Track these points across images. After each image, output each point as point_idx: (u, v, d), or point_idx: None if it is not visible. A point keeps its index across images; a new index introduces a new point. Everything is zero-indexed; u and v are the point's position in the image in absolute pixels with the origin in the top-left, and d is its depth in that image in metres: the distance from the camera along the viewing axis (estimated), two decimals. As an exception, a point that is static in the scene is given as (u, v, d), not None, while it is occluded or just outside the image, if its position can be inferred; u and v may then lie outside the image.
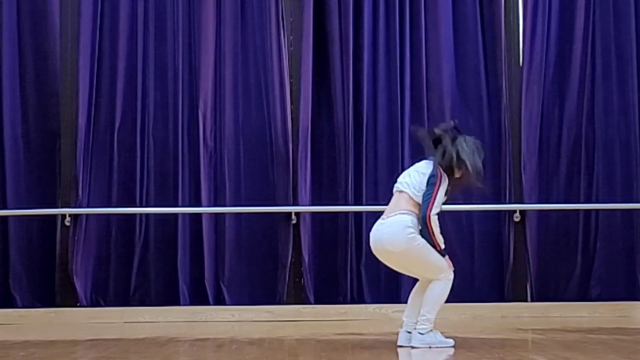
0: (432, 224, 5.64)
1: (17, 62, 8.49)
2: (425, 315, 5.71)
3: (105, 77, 8.53)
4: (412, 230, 5.67)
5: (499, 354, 5.39)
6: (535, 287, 8.60)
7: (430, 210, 5.63)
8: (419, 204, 5.70)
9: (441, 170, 5.71)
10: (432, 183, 5.68)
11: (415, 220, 5.69)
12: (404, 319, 5.87)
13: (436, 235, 5.67)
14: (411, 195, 5.73)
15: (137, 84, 8.52)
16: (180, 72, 8.54)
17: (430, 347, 5.67)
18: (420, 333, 5.72)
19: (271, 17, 8.57)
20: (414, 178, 5.78)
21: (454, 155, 5.70)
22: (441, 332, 5.81)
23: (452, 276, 5.75)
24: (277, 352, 5.71)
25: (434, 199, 5.64)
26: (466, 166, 5.71)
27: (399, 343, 5.82)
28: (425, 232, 5.66)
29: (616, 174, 8.72)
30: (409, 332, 5.80)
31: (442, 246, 5.72)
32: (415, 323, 5.76)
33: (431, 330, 5.73)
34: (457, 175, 5.76)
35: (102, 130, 8.49)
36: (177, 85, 8.52)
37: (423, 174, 5.75)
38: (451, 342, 5.79)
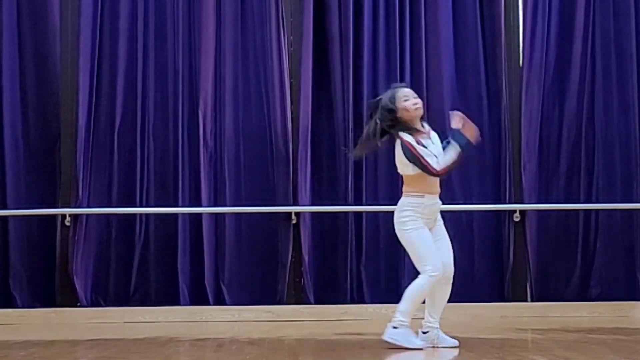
0: (443, 168, 5.68)
1: (17, 62, 8.49)
2: (400, 310, 5.69)
3: (105, 77, 8.53)
4: (405, 213, 5.72)
5: (499, 354, 5.39)
6: (535, 287, 8.60)
7: (431, 167, 5.68)
8: (409, 179, 5.76)
9: (401, 137, 5.75)
10: (408, 151, 5.71)
11: (408, 200, 5.74)
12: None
13: (450, 164, 5.71)
14: (402, 174, 5.85)
15: (137, 84, 8.52)
16: (180, 72, 8.54)
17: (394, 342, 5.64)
18: (393, 327, 5.69)
19: (271, 17, 8.57)
20: (397, 161, 5.86)
21: (377, 121, 5.84)
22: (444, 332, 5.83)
23: (435, 273, 5.65)
24: (277, 352, 5.71)
25: (421, 156, 5.68)
26: (381, 110, 5.84)
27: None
28: (449, 168, 5.75)
29: (616, 174, 8.72)
30: (424, 332, 5.79)
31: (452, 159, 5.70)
32: (432, 322, 5.77)
33: (405, 327, 5.67)
34: (393, 123, 5.81)
35: (102, 130, 8.50)
36: (177, 85, 8.52)
37: (398, 153, 5.81)
38: (420, 344, 5.70)
